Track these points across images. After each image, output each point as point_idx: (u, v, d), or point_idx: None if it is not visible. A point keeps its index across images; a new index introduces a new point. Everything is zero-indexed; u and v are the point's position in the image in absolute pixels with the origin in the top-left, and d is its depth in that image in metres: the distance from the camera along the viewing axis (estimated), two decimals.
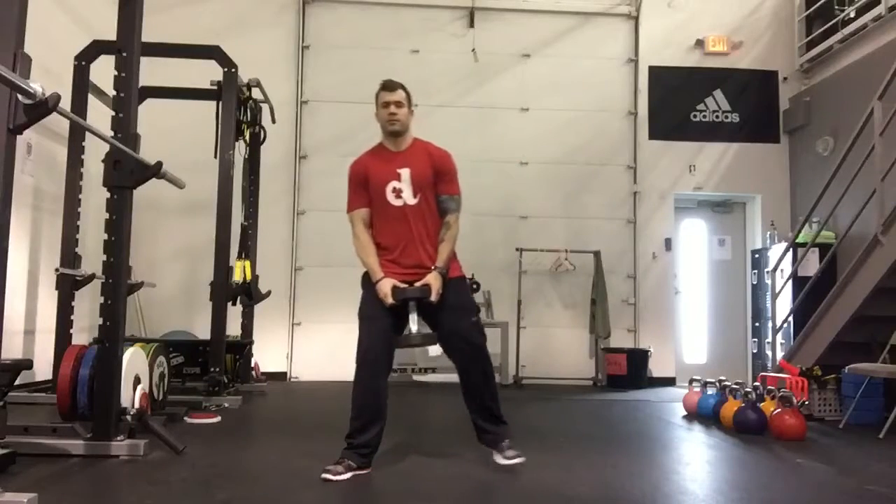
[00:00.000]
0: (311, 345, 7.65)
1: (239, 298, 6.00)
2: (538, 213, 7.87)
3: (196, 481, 3.11)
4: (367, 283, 3.28)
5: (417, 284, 3.19)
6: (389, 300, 3.14)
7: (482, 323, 3.44)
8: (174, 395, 4.95)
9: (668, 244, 8.09)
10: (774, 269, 6.46)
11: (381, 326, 3.19)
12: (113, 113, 3.62)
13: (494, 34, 8.05)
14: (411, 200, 3.27)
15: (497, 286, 7.56)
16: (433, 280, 3.19)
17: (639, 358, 7.56)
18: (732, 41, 8.21)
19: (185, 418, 4.56)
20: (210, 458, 3.53)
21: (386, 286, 3.16)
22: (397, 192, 3.26)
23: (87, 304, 5.75)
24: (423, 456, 3.67)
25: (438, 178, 3.32)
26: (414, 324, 3.17)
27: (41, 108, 2.51)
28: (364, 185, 3.30)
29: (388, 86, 3.33)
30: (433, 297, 3.16)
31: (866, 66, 6.83)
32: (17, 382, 3.93)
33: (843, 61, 7.40)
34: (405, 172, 3.27)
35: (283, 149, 7.66)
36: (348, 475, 3.02)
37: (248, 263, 6.08)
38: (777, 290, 6.40)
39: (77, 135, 5.48)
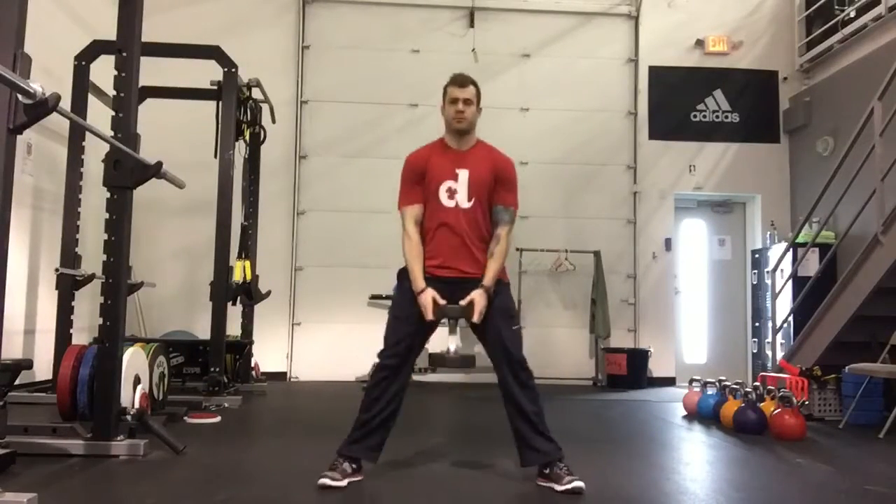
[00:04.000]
0: (311, 345, 7.65)
1: (239, 298, 6.00)
2: (538, 213, 7.85)
3: (196, 481, 3.11)
4: (404, 279, 3.11)
5: (462, 302, 3.01)
6: (430, 315, 2.98)
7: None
8: (174, 395, 4.95)
9: (668, 244, 8.09)
10: (774, 269, 6.46)
11: (410, 330, 3.05)
12: (113, 113, 3.62)
13: (494, 34, 8.04)
14: (465, 204, 3.09)
15: None
16: (478, 298, 2.99)
17: (639, 358, 7.56)
18: (732, 41, 8.21)
19: (185, 418, 4.56)
20: (210, 458, 3.53)
21: (427, 300, 2.99)
22: (451, 193, 3.08)
23: (87, 304, 5.75)
24: (423, 456, 3.66)
25: (497, 186, 3.14)
26: (453, 343, 3.04)
27: (41, 107, 2.50)
28: (419, 181, 3.11)
29: (459, 81, 3.13)
30: (475, 319, 2.98)
31: (866, 66, 6.83)
32: (17, 382, 3.96)
33: (843, 61, 7.40)
34: (463, 174, 3.09)
35: (283, 149, 7.66)
36: (345, 482, 2.94)
37: (248, 263, 6.08)
38: (777, 290, 6.39)
39: (77, 135, 5.48)
